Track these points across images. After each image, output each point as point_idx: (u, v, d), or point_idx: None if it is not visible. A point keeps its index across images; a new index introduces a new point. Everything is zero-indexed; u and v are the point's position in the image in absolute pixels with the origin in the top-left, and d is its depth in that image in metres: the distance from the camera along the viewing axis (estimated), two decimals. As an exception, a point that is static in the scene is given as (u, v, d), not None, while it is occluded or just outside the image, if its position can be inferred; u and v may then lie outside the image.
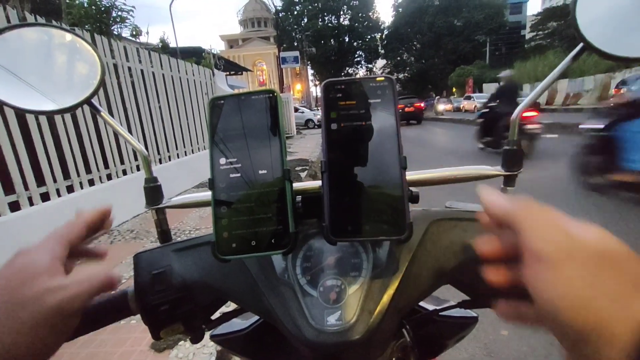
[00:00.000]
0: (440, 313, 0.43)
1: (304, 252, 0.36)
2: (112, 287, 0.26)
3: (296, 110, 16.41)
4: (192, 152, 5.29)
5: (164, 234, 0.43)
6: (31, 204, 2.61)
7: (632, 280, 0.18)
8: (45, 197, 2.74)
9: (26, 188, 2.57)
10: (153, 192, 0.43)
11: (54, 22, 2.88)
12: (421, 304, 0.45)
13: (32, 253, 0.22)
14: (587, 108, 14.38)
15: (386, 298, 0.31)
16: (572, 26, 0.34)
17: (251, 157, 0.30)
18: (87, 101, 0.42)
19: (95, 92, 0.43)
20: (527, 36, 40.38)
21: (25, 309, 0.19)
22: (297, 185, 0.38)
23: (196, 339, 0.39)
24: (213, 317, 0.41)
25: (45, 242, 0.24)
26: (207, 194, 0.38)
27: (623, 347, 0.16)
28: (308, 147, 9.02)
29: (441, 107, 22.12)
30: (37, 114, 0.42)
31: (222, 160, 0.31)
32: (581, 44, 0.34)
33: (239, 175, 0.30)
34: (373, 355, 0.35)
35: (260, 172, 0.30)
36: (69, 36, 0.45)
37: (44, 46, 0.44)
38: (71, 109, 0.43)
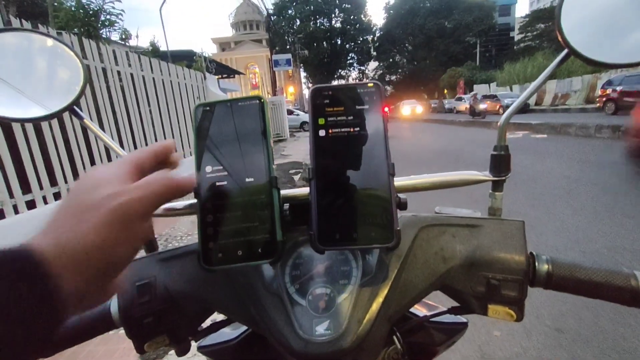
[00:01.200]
0: (430, 319, 0.42)
1: (293, 260, 0.35)
2: (180, 192, 0.25)
3: (291, 112, 16.29)
4: (184, 157, 5.23)
5: (150, 243, 0.42)
6: (16, 212, 2.54)
7: None
8: (31, 205, 2.68)
9: (11, 196, 2.50)
10: None
11: (40, 27, 2.83)
12: (412, 310, 0.45)
13: (101, 168, 0.25)
14: (574, 108, 14.70)
15: (375, 306, 0.31)
16: (557, 32, 0.34)
17: (238, 164, 0.30)
18: (70, 108, 0.41)
19: (77, 99, 0.41)
20: (516, 38, 41.16)
21: (91, 212, 0.21)
22: (285, 192, 0.38)
23: (182, 351, 0.38)
24: (200, 328, 0.40)
25: (113, 162, 0.26)
26: (193, 202, 0.37)
27: None
28: (302, 149, 9.01)
29: (482, 105, 16.83)
30: (16, 121, 0.41)
31: (208, 168, 0.30)
32: (566, 50, 0.34)
33: (225, 183, 0.29)
34: None
35: (247, 179, 0.29)
36: (50, 41, 0.44)
37: (24, 52, 0.43)
38: (53, 116, 0.41)
